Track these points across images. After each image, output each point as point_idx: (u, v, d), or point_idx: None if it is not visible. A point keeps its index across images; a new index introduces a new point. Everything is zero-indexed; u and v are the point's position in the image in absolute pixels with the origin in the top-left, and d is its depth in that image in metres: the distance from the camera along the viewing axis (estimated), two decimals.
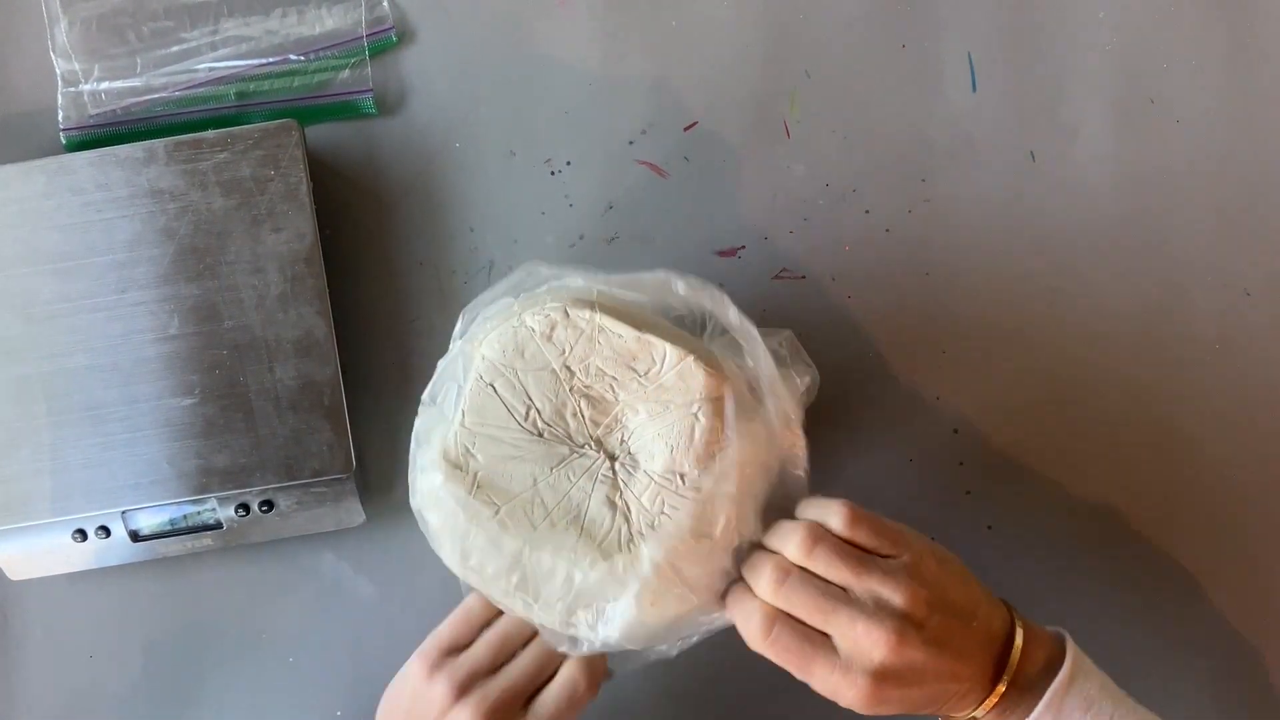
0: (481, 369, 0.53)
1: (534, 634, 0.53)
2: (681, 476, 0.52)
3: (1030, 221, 0.65)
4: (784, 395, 0.54)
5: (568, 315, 0.53)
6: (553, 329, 0.53)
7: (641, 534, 0.52)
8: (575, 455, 0.53)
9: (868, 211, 0.66)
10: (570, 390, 0.53)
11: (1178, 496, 0.64)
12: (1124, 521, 0.64)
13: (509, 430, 0.53)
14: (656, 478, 0.52)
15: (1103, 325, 0.65)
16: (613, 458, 0.53)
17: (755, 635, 0.51)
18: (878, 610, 0.49)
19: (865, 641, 0.48)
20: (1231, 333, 0.65)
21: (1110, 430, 0.64)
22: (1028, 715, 0.50)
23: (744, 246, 0.65)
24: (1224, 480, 0.64)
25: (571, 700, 0.52)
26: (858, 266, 0.65)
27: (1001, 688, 0.50)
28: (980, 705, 0.51)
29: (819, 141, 0.66)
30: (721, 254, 0.65)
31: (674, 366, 0.52)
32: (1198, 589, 0.64)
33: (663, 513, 0.52)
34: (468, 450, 0.53)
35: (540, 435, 0.53)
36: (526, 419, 0.53)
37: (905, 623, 0.49)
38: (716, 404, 0.52)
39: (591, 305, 0.53)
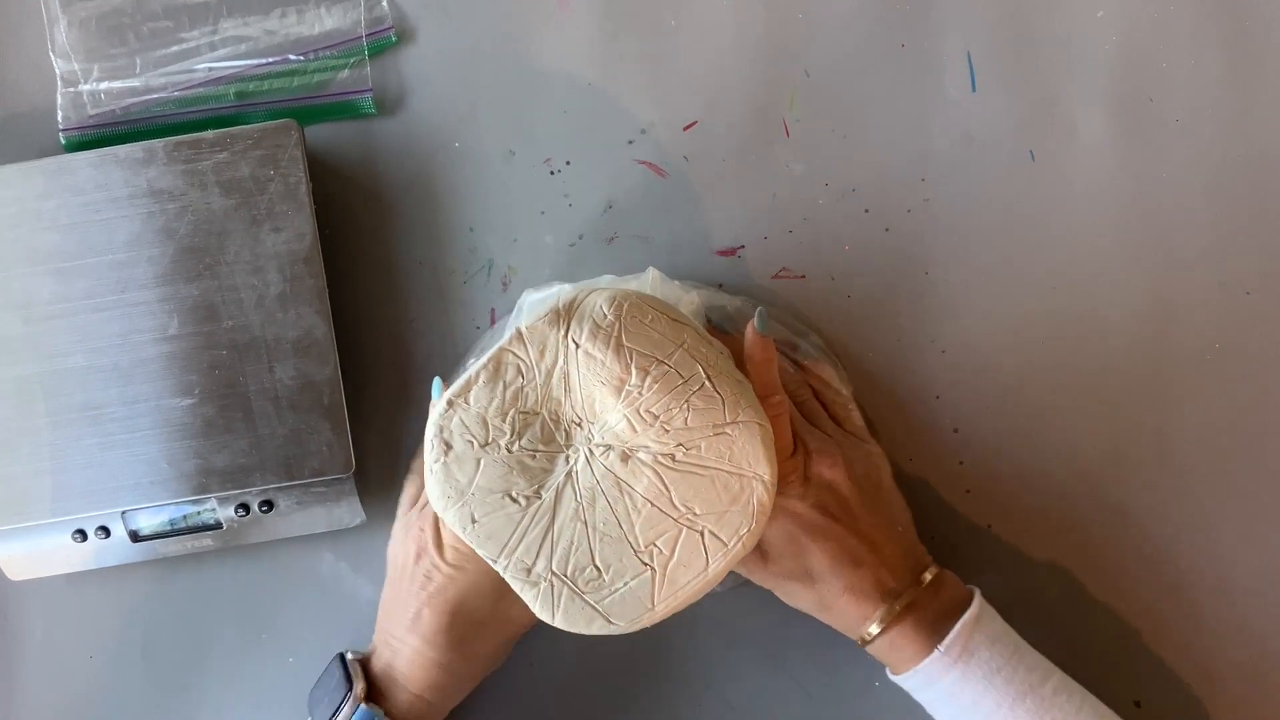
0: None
1: None
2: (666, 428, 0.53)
3: (1030, 220, 0.65)
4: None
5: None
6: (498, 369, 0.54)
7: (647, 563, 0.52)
8: (550, 467, 0.54)
9: (867, 211, 0.66)
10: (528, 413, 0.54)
11: (1178, 495, 0.64)
12: (1124, 521, 0.64)
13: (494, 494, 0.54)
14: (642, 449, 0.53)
15: (1102, 324, 0.65)
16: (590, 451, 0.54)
17: (768, 387, 0.56)
18: (836, 445, 0.59)
19: (821, 452, 0.58)
20: (1231, 332, 0.64)
21: (1110, 429, 0.64)
22: (929, 650, 0.55)
23: (743, 246, 0.65)
24: (1224, 479, 0.64)
25: None
26: (857, 266, 0.65)
27: (910, 599, 0.56)
28: (879, 621, 0.56)
29: (818, 141, 0.66)
30: (721, 253, 0.65)
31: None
32: (1198, 589, 0.64)
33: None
34: (472, 517, 0.53)
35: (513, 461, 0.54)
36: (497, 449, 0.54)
37: (852, 464, 0.58)
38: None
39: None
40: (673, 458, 0.52)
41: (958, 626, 0.55)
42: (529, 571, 0.52)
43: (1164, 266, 0.65)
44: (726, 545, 0.52)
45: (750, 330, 0.57)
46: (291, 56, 0.66)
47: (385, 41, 0.66)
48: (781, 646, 0.64)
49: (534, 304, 0.60)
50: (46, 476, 0.60)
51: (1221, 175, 0.65)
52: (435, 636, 0.57)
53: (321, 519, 0.62)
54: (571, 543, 0.52)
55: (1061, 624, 0.63)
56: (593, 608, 0.52)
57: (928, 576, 0.57)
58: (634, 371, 0.52)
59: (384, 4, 0.66)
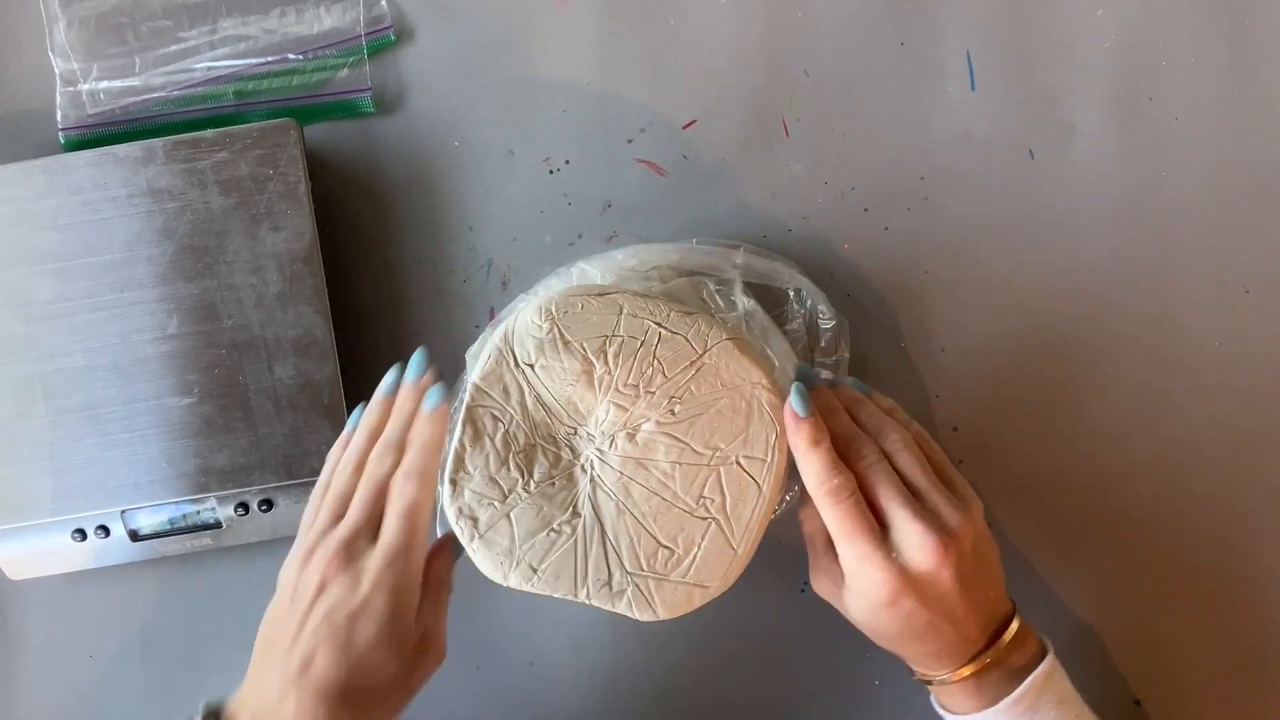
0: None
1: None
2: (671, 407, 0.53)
3: (1029, 219, 0.65)
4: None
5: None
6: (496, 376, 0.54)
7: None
8: (559, 476, 0.54)
9: (866, 210, 0.66)
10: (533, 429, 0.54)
11: (1178, 494, 0.64)
12: (1123, 519, 0.64)
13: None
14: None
15: (1101, 322, 0.65)
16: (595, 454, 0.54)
17: (819, 477, 0.51)
18: (935, 522, 0.51)
19: (916, 539, 0.50)
20: (1231, 330, 0.64)
21: (1110, 428, 0.64)
22: (999, 698, 0.52)
23: (743, 245, 0.65)
24: (1224, 478, 0.64)
25: (410, 513, 0.51)
26: (857, 265, 0.65)
27: (987, 659, 0.53)
28: (956, 670, 0.53)
29: (818, 140, 0.66)
30: (733, 250, 0.65)
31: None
32: (1197, 588, 0.64)
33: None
34: (473, 511, 0.53)
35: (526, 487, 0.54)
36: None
37: (952, 544, 0.51)
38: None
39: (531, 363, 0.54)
40: (672, 413, 0.53)
41: (1029, 681, 0.52)
42: (609, 586, 0.52)
43: (1163, 265, 0.65)
44: (765, 460, 0.52)
45: (788, 414, 0.51)
46: (290, 56, 0.66)
47: (384, 41, 0.66)
48: (781, 646, 0.64)
49: (473, 355, 0.60)
50: (46, 476, 0.60)
51: (1221, 173, 0.65)
52: (327, 689, 0.48)
53: None
54: (631, 538, 0.52)
55: (1061, 623, 0.63)
56: (684, 584, 0.52)
57: (1008, 636, 0.53)
58: (593, 359, 0.53)
59: (383, 3, 0.66)
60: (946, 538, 0.51)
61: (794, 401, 0.52)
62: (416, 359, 0.55)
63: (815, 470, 0.51)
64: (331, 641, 0.48)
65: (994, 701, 0.53)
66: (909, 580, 0.51)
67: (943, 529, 0.51)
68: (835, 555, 0.53)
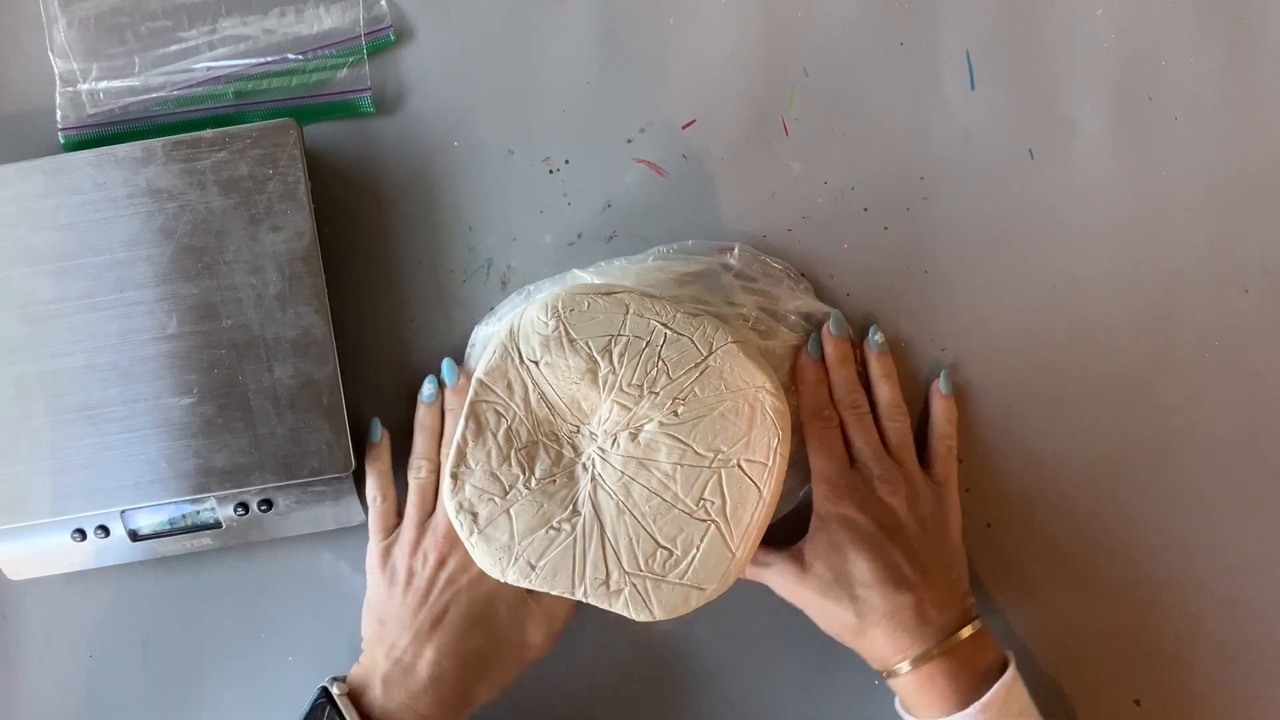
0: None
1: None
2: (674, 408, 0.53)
3: (1029, 218, 0.65)
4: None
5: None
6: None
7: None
8: (559, 475, 0.54)
9: (866, 209, 0.65)
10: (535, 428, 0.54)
11: (1178, 493, 0.64)
12: (1124, 519, 0.64)
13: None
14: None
15: (1102, 321, 0.65)
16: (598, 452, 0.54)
17: (812, 404, 0.60)
18: (901, 468, 0.60)
19: (877, 469, 0.59)
20: (1230, 329, 0.64)
21: (1109, 427, 0.64)
22: (963, 702, 0.54)
23: (737, 245, 0.65)
24: (1224, 476, 0.64)
25: None
26: (856, 264, 0.65)
27: (947, 647, 0.55)
28: (915, 657, 0.55)
29: (817, 139, 0.66)
30: (720, 252, 0.65)
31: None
32: (1198, 587, 0.64)
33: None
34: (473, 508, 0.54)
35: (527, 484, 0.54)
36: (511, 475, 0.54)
37: (907, 486, 0.59)
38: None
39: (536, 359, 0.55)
40: (675, 414, 0.53)
41: (997, 687, 0.54)
42: (606, 585, 0.52)
43: (1163, 264, 0.65)
44: (767, 464, 0.52)
45: (806, 352, 0.61)
46: (290, 56, 0.66)
47: (384, 40, 0.66)
48: (781, 646, 0.64)
49: (485, 337, 0.62)
50: (46, 476, 0.60)
51: (1220, 172, 0.65)
52: (458, 642, 0.57)
53: (321, 518, 0.62)
54: (630, 538, 0.52)
55: (1061, 623, 0.63)
56: (681, 585, 0.52)
57: (968, 631, 0.56)
58: (598, 358, 0.53)
59: (382, 3, 0.66)
60: (906, 482, 0.58)
61: (833, 325, 0.62)
62: (448, 366, 0.63)
63: (814, 399, 0.60)
64: (461, 597, 0.57)
65: (959, 706, 0.54)
66: (868, 496, 0.57)
67: (906, 476, 0.59)
68: (769, 550, 0.59)
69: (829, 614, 0.57)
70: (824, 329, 0.62)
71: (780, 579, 0.58)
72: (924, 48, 0.66)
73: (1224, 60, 0.66)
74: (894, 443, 0.61)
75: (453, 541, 0.59)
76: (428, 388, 0.63)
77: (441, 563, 0.58)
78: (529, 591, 0.59)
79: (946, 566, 0.58)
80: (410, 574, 0.59)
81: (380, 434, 0.63)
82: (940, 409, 0.63)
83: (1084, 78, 0.66)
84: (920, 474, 0.61)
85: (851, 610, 0.56)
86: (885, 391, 0.62)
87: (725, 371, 0.53)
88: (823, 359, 0.62)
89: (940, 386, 0.63)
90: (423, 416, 0.63)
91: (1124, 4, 0.66)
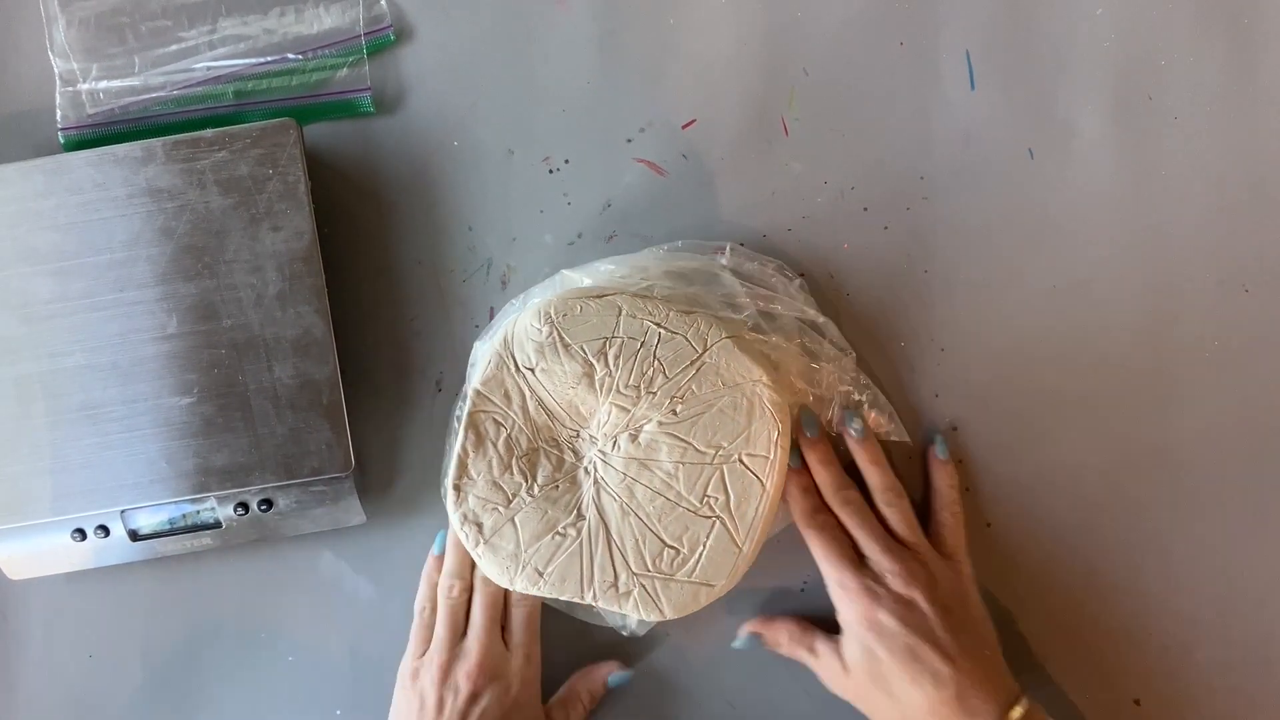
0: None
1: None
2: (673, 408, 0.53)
3: (1029, 218, 0.65)
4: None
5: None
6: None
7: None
8: (561, 479, 0.54)
9: (866, 209, 0.65)
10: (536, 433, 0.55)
11: (1178, 493, 0.64)
12: (1124, 518, 0.64)
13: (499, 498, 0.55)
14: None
15: (1101, 321, 0.65)
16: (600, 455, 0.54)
17: (804, 512, 0.58)
18: (914, 556, 0.57)
19: (888, 565, 0.56)
20: (1230, 329, 0.64)
21: (1110, 427, 0.64)
22: None
23: (742, 244, 0.65)
24: (1224, 476, 0.64)
25: (531, 620, 0.60)
26: (856, 264, 0.65)
27: None
28: None
29: (817, 139, 0.66)
30: (720, 252, 0.65)
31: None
32: (1198, 586, 0.64)
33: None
34: (478, 517, 0.54)
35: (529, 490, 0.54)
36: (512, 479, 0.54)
37: (924, 572, 0.56)
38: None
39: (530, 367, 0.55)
40: (674, 413, 0.53)
41: None
42: (616, 587, 0.52)
43: (1163, 263, 0.65)
44: (768, 458, 0.53)
45: (801, 436, 0.58)
46: (290, 55, 0.66)
47: (384, 40, 0.66)
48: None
49: (486, 354, 0.61)
50: (46, 476, 0.60)
51: (1220, 172, 0.65)
52: None
53: (321, 518, 0.62)
54: (636, 538, 0.52)
55: (1062, 623, 0.63)
56: (690, 583, 0.52)
57: (1018, 712, 0.54)
58: (594, 361, 0.53)
59: (382, 3, 0.66)
60: (920, 567, 0.56)
61: (804, 426, 0.59)
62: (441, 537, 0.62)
63: (803, 508, 0.58)
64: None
65: None
66: (885, 595, 0.54)
67: (919, 561, 0.56)
68: (819, 635, 0.58)
69: (876, 712, 0.56)
70: (800, 436, 0.59)
71: (827, 673, 0.58)
72: (924, 48, 0.66)
73: (1224, 60, 0.66)
74: (898, 528, 0.59)
75: (489, 676, 0.57)
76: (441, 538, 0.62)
77: (473, 698, 0.57)
78: None
79: (978, 646, 0.56)
80: (440, 704, 0.57)
81: (442, 547, 0.62)
82: (941, 477, 0.62)
83: (1084, 78, 0.66)
84: (932, 554, 0.58)
85: (896, 712, 0.55)
86: (876, 476, 0.60)
87: (721, 367, 0.53)
88: (804, 465, 0.59)
89: (937, 453, 0.62)
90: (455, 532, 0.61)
91: (1124, 4, 0.66)
